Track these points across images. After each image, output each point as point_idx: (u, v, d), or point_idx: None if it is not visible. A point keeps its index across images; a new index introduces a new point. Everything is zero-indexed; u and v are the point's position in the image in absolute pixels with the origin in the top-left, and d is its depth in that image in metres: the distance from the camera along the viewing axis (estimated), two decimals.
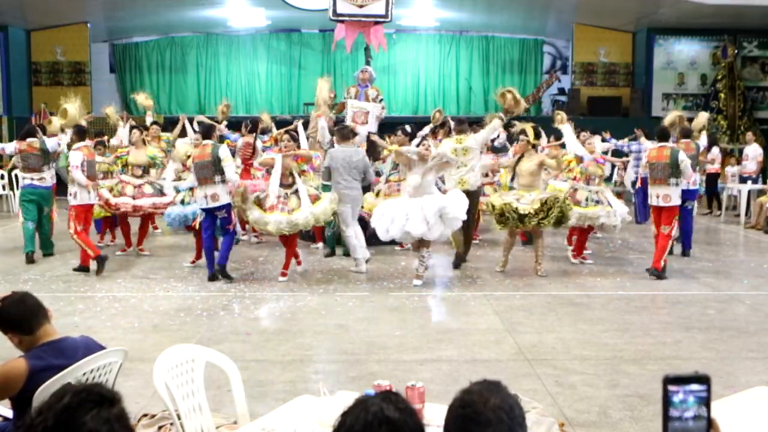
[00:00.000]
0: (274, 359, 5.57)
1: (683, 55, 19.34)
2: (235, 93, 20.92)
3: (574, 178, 9.33)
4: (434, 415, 2.66)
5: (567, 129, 9.56)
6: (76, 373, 2.81)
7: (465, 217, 8.01)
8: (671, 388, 1.52)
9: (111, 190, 9.59)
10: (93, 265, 8.55)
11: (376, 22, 11.58)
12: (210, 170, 7.99)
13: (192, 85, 20.92)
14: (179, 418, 2.99)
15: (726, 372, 5.29)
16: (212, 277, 8.15)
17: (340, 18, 11.49)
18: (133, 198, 9.58)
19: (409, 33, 20.75)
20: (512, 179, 8.89)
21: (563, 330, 6.33)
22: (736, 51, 18.81)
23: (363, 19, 11.47)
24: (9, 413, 3.13)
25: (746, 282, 8.35)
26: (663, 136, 8.82)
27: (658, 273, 8.34)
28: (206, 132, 8.56)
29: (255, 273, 8.72)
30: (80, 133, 9.08)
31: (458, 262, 9.07)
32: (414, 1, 17.51)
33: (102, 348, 3.10)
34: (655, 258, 8.45)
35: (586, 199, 9.06)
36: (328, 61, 20.87)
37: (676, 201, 8.37)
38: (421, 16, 18.90)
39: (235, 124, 11.66)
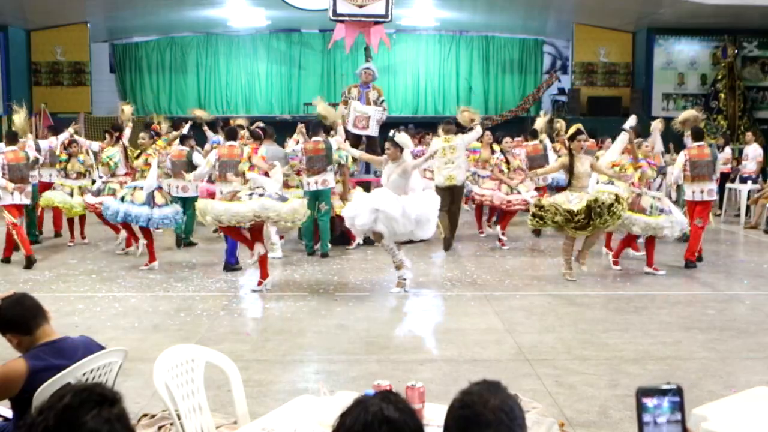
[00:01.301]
0: (274, 359, 5.57)
1: (683, 55, 19.33)
2: (235, 93, 20.92)
3: (633, 184, 8.68)
4: (434, 415, 2.66)
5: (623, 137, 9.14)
6: (75, 373, 2.81)
7: (434, 225, 7.70)
8: (645, 399, 1.55)
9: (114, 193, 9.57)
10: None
11: (376, 22, 11.58)
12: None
13: (192, 85, 20.90)
14: (179, 418, 2.98)
15: (726, 372, 5.29)
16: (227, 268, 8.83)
17: (340, 18, 11.50)
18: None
19: (409, 33, 20.75)
20: (569, 183, 8.29)
21: (563, 330, 6.33)
22: (736, 51, 18.81)
23: (363, 19, 11.48)
24: (9, 413, 3.13)
25: (746, 282, 8.35)
26: (698, 136, 9.26)
27: (692, 264, 9.01)
28: (232, 134, 9.44)
29: (255, 273, 8.71)
30: (9, 138, 9.40)
31: (447, 245, 10.23)
32: (414, 1, 17.51)
33: (102, 348, 3.10)
34: (688, 250, 9.08)
35: (651, 207, 8.51)
36: (328, 61, 20.87)
37: (715, 195, 9.34)
38: (421, 16, 18.89)
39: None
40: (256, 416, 3.26)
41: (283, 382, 5.06)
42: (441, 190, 9.68)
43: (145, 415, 3.73)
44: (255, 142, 7.99)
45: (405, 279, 7.76)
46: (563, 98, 20.10)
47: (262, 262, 7.83)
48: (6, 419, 3.24)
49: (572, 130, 8.99)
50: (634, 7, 17.65)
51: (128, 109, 11.53)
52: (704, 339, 6.09)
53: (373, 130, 10.81)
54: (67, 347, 2.96)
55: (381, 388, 2.66)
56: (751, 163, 14.03)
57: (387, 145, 7.64)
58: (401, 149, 7.53)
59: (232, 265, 8.81)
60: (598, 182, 9.39)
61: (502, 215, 10.80)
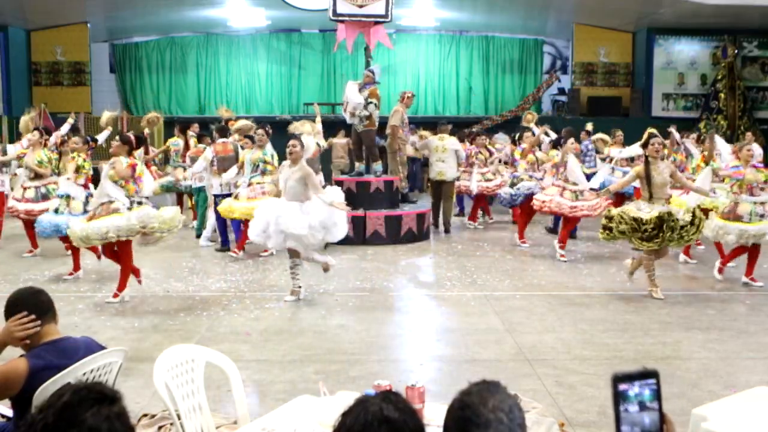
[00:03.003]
0: (274, 359, 5.57)
1: (683, 55, 19.34)
2: (235, 93, 20.93)
3: (732, 190, 8.23)
4: (434, 415, 2.66)
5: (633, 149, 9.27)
6: (76, 372, 2.81)
7: (345, 227, 7.37)
8: (621, 386, 1.52)
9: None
10: None
11: (376, 22, 11.58)
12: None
13: (192, 85, 20.92)
14: (179, 418, 2.99)
15: (726, 372, 5.29)
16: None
17: (340, 18, 11.50)
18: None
19: (409, 33, 20.75)
20: (649, 195, 7.45)
21: (563, 330, 6.33)
22: (736, 51, 18.82)
23: (363, 19, 11.48)
24: (9, 412, 3.13)
25: (746, 282, 8.35)
26: None
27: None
28: (223, 132, 10.35)
29: (255, 273, 8.71)
30: None
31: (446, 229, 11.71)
32: (414, 1, 17.52)
33: (102, 348, 3.10)
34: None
35: (750, 213, 7.94)
36: (328, 61, 20.89)
37: None
38: (421, 16, 18.90)
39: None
40: (256, 416, 3.26)
41: (283, 382, 5.06)
42: (432, 183, 12.09)
43: (145, 415, 3.74)
44: (124, 145, 7.21)
45: (300, 288, 7.38)
46: (563, 98, 20.11)
47: (125, 272, 7.29)
48: (6, 418, 3.24)
49: (646, 134, 7.77)
50: (634, 7, 17.66)
51: (107, 114, 11.78)
52: (704, 339, 6.08)
53: (347, 117, 10.97)
54: (69, 347, 2.96)
55: (381, 388, 2.66)
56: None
57: (292, 143, 7.15)
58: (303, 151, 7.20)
59: (225, 246, 9.86)
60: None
61: (565, 223, 9.84)
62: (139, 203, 7.11)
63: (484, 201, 12.86)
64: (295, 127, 10.66)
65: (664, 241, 7.25)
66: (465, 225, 12.51)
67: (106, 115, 12.62)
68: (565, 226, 9.78)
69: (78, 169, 8.31)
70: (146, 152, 12.74)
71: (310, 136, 10.19)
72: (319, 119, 11.58)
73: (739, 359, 5.64)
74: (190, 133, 12.50)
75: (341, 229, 7.29)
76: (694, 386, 4.95)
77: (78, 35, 19.19)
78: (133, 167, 7.12)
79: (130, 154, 7.21)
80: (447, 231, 11.73)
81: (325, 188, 7.41)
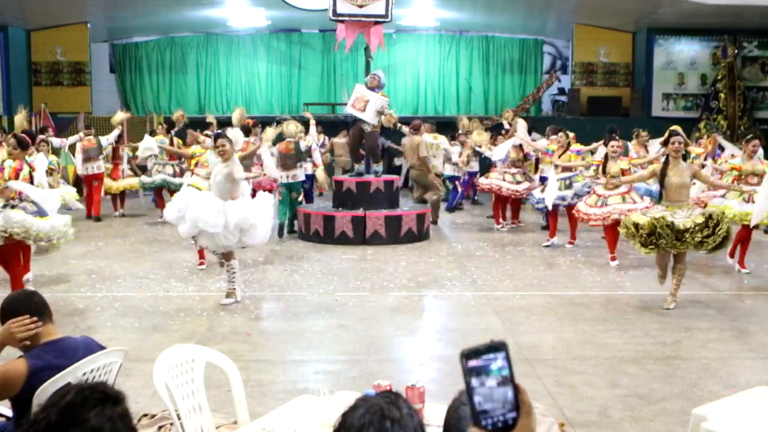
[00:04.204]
0: (274, 359, 5.57)
1: (683, 55, 19.33)
2: (235, 93, 20.92)
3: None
4: (434, 415, 2.66)
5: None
6: (76, 373, 2.82)
7: (267, 227, 7.20)
8: (470, 362, 1.50)
9: None
10: None
11: (376, 22, 11.58)
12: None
13: (192, 85, 20.91)
14: (179, 418, 2.99)
15: (726, 372, 5.29)
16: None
17: (340, 18, 11.49)
18: None
19: (409, 33, 20.75)
20: (660, 196, 7.26)
21: (563, 330, 6.33)
22: (736, 51, 18.81)
23: (363, 19, 11.47)
24: (9, 413, 3.13)
25: (746, 282, 8.35)
26: None
27: None
28: (246, 131, 10.78)
29: (255, 273, 8.72)
30: None
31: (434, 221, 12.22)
32: (414, 1, 17.51)
33: (102, 348, 3.10)
34: None
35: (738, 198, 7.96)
36: (328, 61, 20.88)
37: None
38: (421, 16, 18.89)
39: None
40: (256, 416, 3.26)
41: (283, 382, 5.06)
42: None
43: (145, 415, 3.74)
44: (19, 149, 6.99)
45: (235, 289, 7.21)
46: (563, 98, 20.11)
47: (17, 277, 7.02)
48: (6, 418, 3.24)
49: (668, 132, 7.37)
50: (634, 7, 17.66)
51: (120, 114, 11.96)
52: (704, 339, 6.08)
53: (369, 116, 10.78)
54: (68, 347, 2.96)
55: (381, 388, 2.66)
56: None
57: (220, 141, 7.05)
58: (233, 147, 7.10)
59: None
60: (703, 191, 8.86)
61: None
62: (13, 207, 6.75)
63: (514, 204, 12.30)
64: (286, 126, 11.41)
65: (660, 248, 6.78)
66: (491, 227, 12.14)
67: (119, 116, 12.96)
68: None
69: None
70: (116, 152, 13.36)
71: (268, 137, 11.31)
72: (313, 122, 12.05)
73: (739, 359, 5.64)
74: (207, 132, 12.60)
75: (260, 232, 7.04)
76: (694, 386, 4.95)
77: (78, 35, 19.18)
78: (17, 170, 6.88)
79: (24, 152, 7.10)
80: (434, 223, 12.26)
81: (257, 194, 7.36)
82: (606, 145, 9.58)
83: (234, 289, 7.19)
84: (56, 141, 12.91)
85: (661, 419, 4.40)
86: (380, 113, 10.87)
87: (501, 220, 12.09)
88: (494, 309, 7.03)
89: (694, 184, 7.50)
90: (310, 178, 12.86)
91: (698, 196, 9.14)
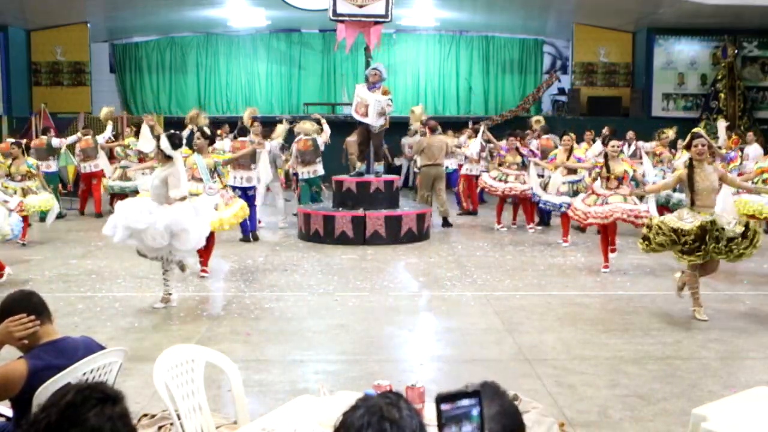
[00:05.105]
0: (274, 359, 5.57)
1: (683, 55, 19.33)
2: (235, 93, 20.93)
3: None
4: (434, 416, 2.65)
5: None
6: (75, 373, 2.81)
7: (200, 234, 6.96)
8: (444, 406, 1.52)
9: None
10: None
11: (376, 22, 11.58)
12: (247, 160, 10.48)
13: (192, 85, 20.91)
14: (179, 418, 2.99)
15: (726, 372, 5.29)
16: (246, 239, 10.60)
17: (340, 18, 11.48)
18: None
19: (409, 33, 20.75)
20: (691, 202, 6.65)
21: (563, 330, 6.33)
22: (736, 51, 18.81)
23: (363, 19, 11.47)
24: (9, 413, 3.13)
25: (746, 282, 8.35)
26: None
27: None
28: (243, 132, 11.38)
29: (255, 273, 8.72)
30: None
31: (446, 224, 12.21)
32: (414, 1, 17.51)
33: (102, 348, 3.10)
34: None
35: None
36: (328, 61, 20.89)
37: None
38: (421, 16, 18.89)
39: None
40: (256, 416, 3.26)
41: (283, 382, 5.06)
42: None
43: (145, 415, 3.74)
44: None
45: (170, 294, 7.10)
46: (563, 98, 20.11)
47: None
48: (6, 418, 3.24)
49: (690, 134, 6.85)
50: (634, 7, 17.65)
51: (105, 109, 12.16)
52: (704, 339, 6.08)
53: (372, 120, 10.77)
54: (68, 347, 2.96)
55: (381, 388, 2.66)
56: (751, 163, 14.03)
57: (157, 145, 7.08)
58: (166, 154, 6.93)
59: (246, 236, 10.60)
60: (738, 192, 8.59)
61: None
62: None
63: (527, 205, 12.05)
64: (303, 125, 12.19)
65: (708, 254, 6.37)
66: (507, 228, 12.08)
67: (104, 111, 13.17)
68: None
69: None
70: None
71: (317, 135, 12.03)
72: (324, 121, 12.51)
73: (739, 359, 5.65)
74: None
75: (192, 238, 6.83)
76: (694, 386, 4.95)
77: (78, 35, 19.18)
78: None
79: None
80: (448, 224, 12.22)
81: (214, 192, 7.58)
82: (605, 144, 9.55)
83: (170, 294, 7.07)
84: (56, 141, 13.22)
85: (661, 419, 4.40)
86: (382, 114, 10.85)
87: (522, 221, 12.15)
88: (494, 309, 7.03)
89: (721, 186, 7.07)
90: None
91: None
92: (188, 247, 6.94)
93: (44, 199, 10.54)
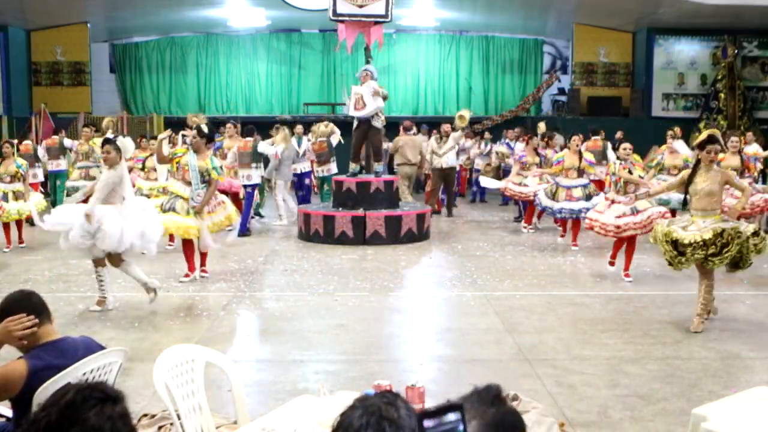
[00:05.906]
0: (274, 359, 5.57)
1: (683, 55, 19.34)
2: (235, 93, 20.94)
3: None
4: None
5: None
6: (75, 373, 2.81)
7: (118, 236, 6.65)
8: (427, 423, 1.53)
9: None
10: None
11: (376, 22, 11.58)
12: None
13: (192, 85, 20.93)
14: (179, 418, 2.99)
15: (726, 372, 5.29)
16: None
17: (340, 18, 11.49)
18: None
19: (409, 33, 20.76)
20: (684, 202, 6.53)
21: (563, 330, 6.33)
22: (736, 51, 18.81)
23: (363, 19, 11.47)
24: (9, 413, 3.13)
25: (746, 282, 8.35)
26: None
27: None
28: (249, 132, 11.73)
29: (255, 273, 8.72)
30: None
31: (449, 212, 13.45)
32: (414, 1, 17.52)
33: (102, 348, 3.10)
34: None
35: None
36: (328, 61, 20.90)
37: None
38: (421, 16, 18.90)
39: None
40: (256, 416, 3.26)
41: (283, 382, 5.06)
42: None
43: (145, 415, 3.74)
44: None
45: (105, 297, 6.95)
46: (563, 98, 20.13)
47: None
48: (6, 418, 3.24)
49: (705, 134, 6.41)
50: (634, 7, 17.66)
51: (108, 119, 12.77)
52: (704, 339, 6.08)
53: (371, 106, 10.78)
54: (68, 347, 2.96)
55: (381, 388, 2.66)
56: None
57: (106, 148, 6.87)
58: (120, 155, 6.80)
59: (243, 231, 10.60)
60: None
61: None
62: None
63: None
64: (317, 128, 13.16)
65: (682, 264, 6.20)
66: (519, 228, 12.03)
67: (105, 121, 13.54)
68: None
69: None
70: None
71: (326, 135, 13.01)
72: (333, 127, 13.32)
73: (739, 359, 5.64)
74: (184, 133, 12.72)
75: (109, 239, 6.60)
76: (694, 386, 4.95)
77: (78, 35, 19.19)
78: None
79: None
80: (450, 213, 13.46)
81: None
82: (615, 149, 9.18)
83: (105, 297, 6.93)
84: (68, 141, 13.53)
85: (661, 419, 4.40)
86: (377, 93, 10.80)
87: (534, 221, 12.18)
88: (494, 309, 7.03)
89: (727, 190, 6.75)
90: (309, 174, 13.55)
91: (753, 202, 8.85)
92: (104, 247, 6.66)
93: (23, 206, 10.03)
